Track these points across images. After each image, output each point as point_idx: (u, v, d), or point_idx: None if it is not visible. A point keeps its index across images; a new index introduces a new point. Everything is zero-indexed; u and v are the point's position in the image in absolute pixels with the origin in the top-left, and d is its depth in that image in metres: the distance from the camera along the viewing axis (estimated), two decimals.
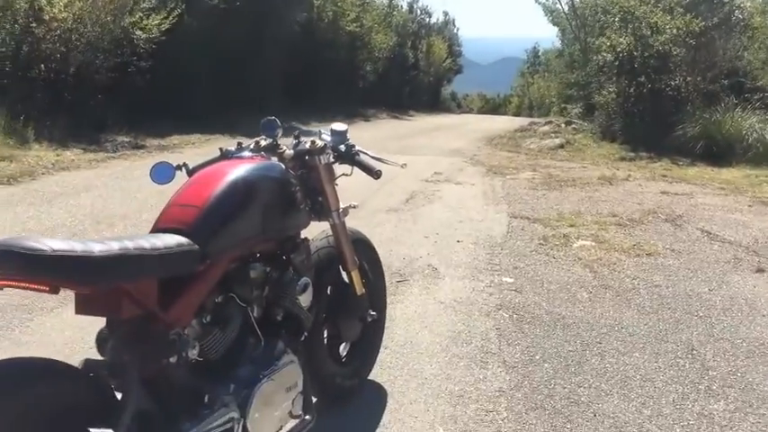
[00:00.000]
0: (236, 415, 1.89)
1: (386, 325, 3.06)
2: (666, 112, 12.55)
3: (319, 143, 2.38)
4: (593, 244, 5.29)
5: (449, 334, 3.46)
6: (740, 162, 10.44)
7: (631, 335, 3.53)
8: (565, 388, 2.93)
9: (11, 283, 1.46)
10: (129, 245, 1.62)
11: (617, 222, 6.08)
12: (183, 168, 2.41)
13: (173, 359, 1.77)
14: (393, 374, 3.00)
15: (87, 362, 1.69)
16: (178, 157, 9.54)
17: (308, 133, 2.60)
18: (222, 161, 2.24)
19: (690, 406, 2.81)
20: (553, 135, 13.89)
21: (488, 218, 6.19)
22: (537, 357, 3.23)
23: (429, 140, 13.88)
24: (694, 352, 3.34)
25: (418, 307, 3.81)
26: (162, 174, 2.41)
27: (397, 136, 14.80)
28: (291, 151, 2.36)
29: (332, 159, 2.45)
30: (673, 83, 13.09)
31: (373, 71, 28.73)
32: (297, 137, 2.45)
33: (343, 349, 2.81)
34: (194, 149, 10.31)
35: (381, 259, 2.98)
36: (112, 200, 6.26)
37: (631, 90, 13.39)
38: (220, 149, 2.42)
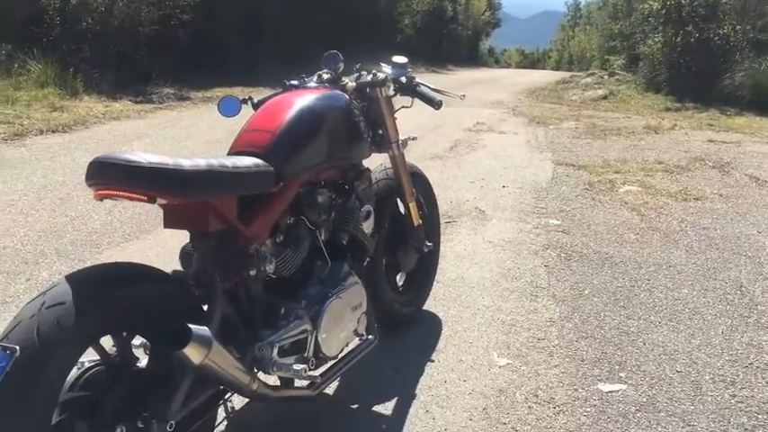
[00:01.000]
0: (308, 327, 2.02)
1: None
2: (714, 62, 12.24)
3: (380, 75, 2.46)
4: (640, 189, 5.30)
5: (498, 270, 3.55)
6: None
7: (680, 273, 3.58)
8: (614, 319, 3.01)
9: (113, 192, 1.59)
10: (214, 162, 1.73)
11: (663, 169, 6.05)
12: (249, 102, 2.49)
13: (252, 272, 1.89)
14: (446, 306, 3.10)
15: (175, 273, 1.82)
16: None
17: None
18: (291, 92, 2.32)
19: (738, 337, 2.87)
20: (596, 86, 13.69)
21: (533, 165, 6.21)
22: (586, 292, 3.30)
23: (469, 93, 13.71)
24: (743, 289, 3.38)
25: (467, 246, 3.90)
26: (229, 107, 2.50)
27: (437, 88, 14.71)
28: (353, 83, 2.44)
29: (392, 92, 2.52)
30: (721, 32, 12.73)
31: (411, 25, 28.44)
32: (358, 70, 2.52)
33: (399, 279, 2.92)
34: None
35: None
36: (163, 147, 6.42)
37: (678, 39, 13.06)
38: (284, 82, 2.50)
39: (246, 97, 2.51)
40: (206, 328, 1.59)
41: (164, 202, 1.62)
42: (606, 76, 15.22)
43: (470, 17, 35.74)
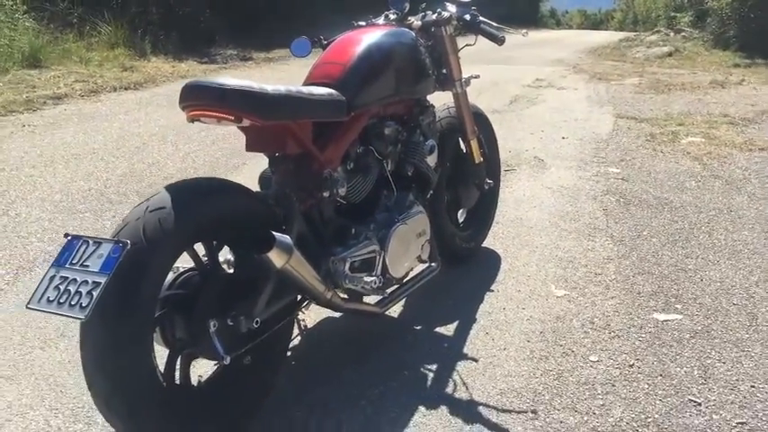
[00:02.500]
0: (377, 248, 2.16)
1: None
2: None
3: (445, 14, 2.55)
4: (703, 140, 5.25)
5: (557, 213, 3.63)
6: None
7: (740, 217, 3.59)
8: (672, 258, 3.07)
9: (205, 113, 1.75)
10: (293, 89, 1.88)
11: (728, 122, 5.95)
12: (319, 42, 2.62)
13: (326, 194, 2.04)
14: (505, 243, 3.21)
15: (256, 193, 1.98)
16: (283, 68, 9.90)
17: None
18: (361, 29, 2.43)
19: None
20: (661, 44, 13.35)
21: (593, 118, 6.20)
22: (644, 233, 3.36)
23: (529, 52, 13.61)
24: None
25: (526, 191, 3.98)
26: (300, 48, 2.63)
27: (496, 48, 14.57)
28: (419, 22, 2.54)
29: (455, 30, 2.61)
30: None
31: None
32: (423, 9, 2.62)
33: (460, 215, 3.04)
34: (300, 61, 10.56)
35: None
36: None
37: None
38: (352, 23, 2.62)
39: (316, 38, 2.64)
40: (287, 236, 1.75)
41: (248, 123, 1.77)
42: (672, 34, 14.80)
43: None
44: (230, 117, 1.73)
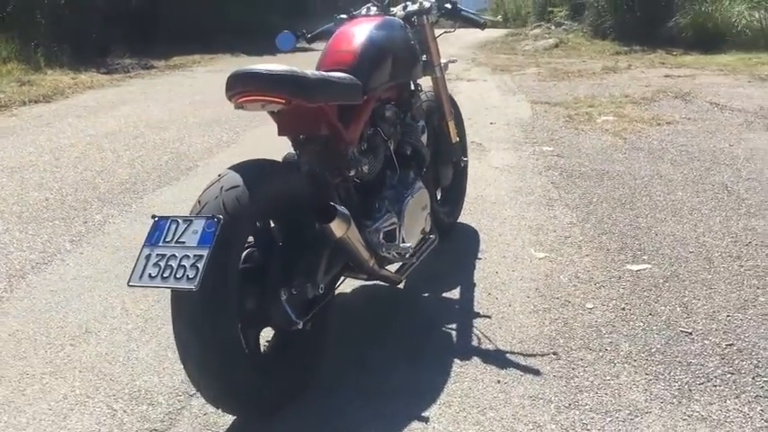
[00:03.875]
0: (396, 220, 2.33)
1: None
2: (656, 6, 12.81)
3: (426, 4, 2.74)
4: (616, 118, 5.72)
5: (512, 189, 3.90)
6: (731, 48, 10.79)
7: (670, 181, 3.99)
8: (625, 218, 3.40)
9: (254, 98, 1.86)
10: (324, 74, 2.01)
11: (631, 101, 6.48)
12: (303, 37, 2.76)
13: (352, 173, 2.18)
14: (477, 218, 3.44)
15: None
16: (191, 74, 9.77)
17: None
18: (354, 20, 2.58)
19: (734, 224, 3.29)
20: (546, 36, 14.12)
21: (511, 105, 6.58)
22: (594, 200, 3.68)
23: None
24: (729, 189, 3.81)
25: (477, 172, 4.23)
26: (285, 42, 2.75)
27: None
28: (402, 12, 2.72)
29: (435, 18, 2.81)
30: None
31: None
32: (403, 0, 2.79)
33: (437, 193, 3.23)
34: (204, 68, 10.48)
35: None
36: (151, 110, 6.54)
37: None
38: (334, 16, 2.76)
39: (300, 32, 2.76)
40: (345, 208, 1.88)
41: (294, 104, 1.89)
42: (553, 27, 15.66)
43: None
44: (281, 100, 1.85)
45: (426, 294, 2.66)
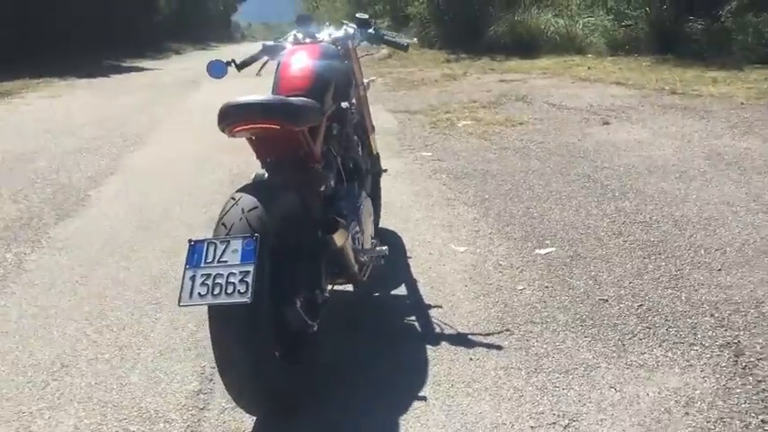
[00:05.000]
0: (358, 228, 2.56)
1: None
2: (475, 16, 13.89)
3: (350, 30, 2.99)
4: (474, 122, 6.27)
5: (411, 193, 4.25)
6: (545, 53, 11.99)
7: (543, 174, 4.53)
8: (519, 210, 3.85)
9: (249, 127, 2.03)
10: (300, 100, 2.21)
11: (481, 106, 7.11)
12: (233, 64, 2.91)
13: (322, 188, 2.39)
14: (392, 221, 3.74)
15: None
16: (24, 100, 9.22)
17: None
18: (296, 48, 2.76)
19: (607, 207, 3.85)
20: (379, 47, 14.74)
21: (373, 115, 6.94)
22: (487, 197, 4.12)
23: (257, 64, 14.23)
24: (592, 177, 4.40)
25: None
26: (216, 69, 2.90)
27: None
28: (329, 38, 2.94)
29: (358, 43, 3.06)
30: None
31: (166, 5, 27.81)
32: (328, 26, 3.02)
33: None
34: (36, 93, 9.92)
35: None
36: (8, 140, 6.19)
37: None
38: (263, 44, 2.94)
39: (230, 60, 2.92)
40: (344, 221, 2.10)
41: (284, 129, 2.07)
42: None
43: None
44: (276, 126, 2.03)
45: (377, 294, 2.92)
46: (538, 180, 4.40)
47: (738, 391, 2.16)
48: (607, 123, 5.95)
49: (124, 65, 15.56)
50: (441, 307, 2.76)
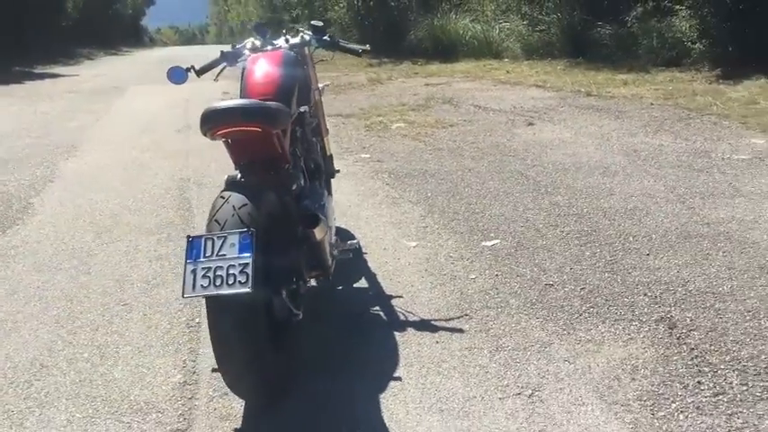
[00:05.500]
0: (326, 225, 2.71)
1: None
2: (394, 21, 14.20)
3: (306, 37, 3.13)
4: (406, 125, 6.50)
5: (357, 192, 4.41)
6: (464, 57, 12.41)
7: (479, 173, 4.79)
8: (461, 207, 4.08)
9: (231, 130, 2.16)
10: (277, 104, 2.35)
11: (410, 108, 7.35)
12: (192, 70, 3.01)
13: (294, 187, 2.53)
14: (344, 220, 3.88)
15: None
16: None
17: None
18: (258, 54, 2.88)
19: (542, 201, 4.13)
20: None
21: None
22: (429, 195, 4.33)
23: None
24: (524, 174, 4.69)
25: None
26: (177, 76, 3.00)
27: (147, 68, 14.85)
28: (286, 45, 3.08)
29: (314, 49, 3.21)
30: None
31: (75, 8, 27.01)
32: (285, 34, 3.16)
33: None
34: None
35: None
36: None
37: (360, 3, 14.82)
38: (222, 51, 3.04)
39: (189, 66, 3.02)
40: (324, 216, 2.25)
41: (265, 131, 2.21)
42: None
43: None
44: (257, 128, 2.17)
45: (341, 287, 3.07)
46: (475, 178, 4.66)
47: (675, 358, 2.44)
48: (532, 124, 6.29)
49: (36, 71, 15.04)
50: (402, 297, 2.95)
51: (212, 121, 2.14)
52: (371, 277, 3.16)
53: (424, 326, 2.70)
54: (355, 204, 4.17)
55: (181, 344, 2.61)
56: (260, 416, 2.17)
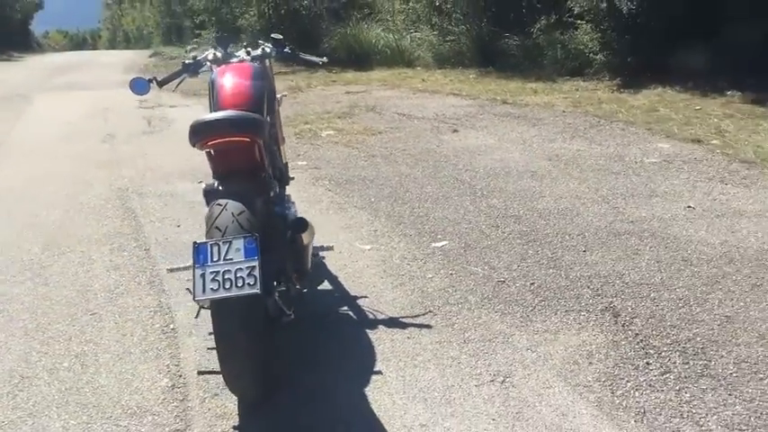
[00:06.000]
0: (312, 231, 2.83)
1: None
2: (306, 30, 14.29)
3: (267, 49, 3.22)
4: (336, 132, 6.64)
5: (300, 199, 4.46)
6: (378, 65, 12.65)
7: (416, 178, 5.00)
8: (406, 210, 4.27)
9: (222, 140, 2.25)
10: (257, 116, 2.46)
11: (336, 116, 7.49)
12: (154, 81, 3.07)
13: (271, 194, 2.64)
14: None
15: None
16: None
17: None
18: (227, 66, 2.95)
19: (480, 204, 4.37)
20: None
21: None
22: (372, 200, 4.50)
23: (81, 76, 13.75)
24: (459, 179, 4.93)
25: None
26: (139, 87, 3.04)
27: (46, 74, 14.30)
28: (248, 56, 3.17)
29: (274, 60, 3.31)
30: (305, 2, 14.87)
31: None
32: (246, 47, 3.24)
33: None
34: None
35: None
36: None
37: (271, 12, 14.84)
38: (183, 62, 3.10)
39: (151, 77, 3.07)
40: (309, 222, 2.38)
41: (253, 141, 2.32)
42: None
43: None
44: (246, 139, 2.28)
45: (305, 290, 3.18)
46: (412, 184, 4.86)
47: (623, 343, 2.71)
48: (456, 131, 6.57)
49: None
50: (367, 297, 3.10)
51: (203, 133, 2.23)
52: (334, 279, 3.29)
53: (394, 323, 2.86)
54: (303, 211, 4.23)
55: (160, 350, 2.65)
56: (255, 413, 2.27)
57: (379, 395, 2.37)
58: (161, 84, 3.11)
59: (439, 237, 3.83)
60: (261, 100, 2.77)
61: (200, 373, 2.46)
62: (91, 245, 3.75)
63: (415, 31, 13.15)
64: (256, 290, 1.93)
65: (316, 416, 2.27)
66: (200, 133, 2.23)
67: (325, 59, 3.49)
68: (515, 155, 5.61)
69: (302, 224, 2.32)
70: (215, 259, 1.97)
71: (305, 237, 2.34)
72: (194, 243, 2.01)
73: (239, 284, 1.93)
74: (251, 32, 15.15)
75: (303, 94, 9.28)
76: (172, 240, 3.80)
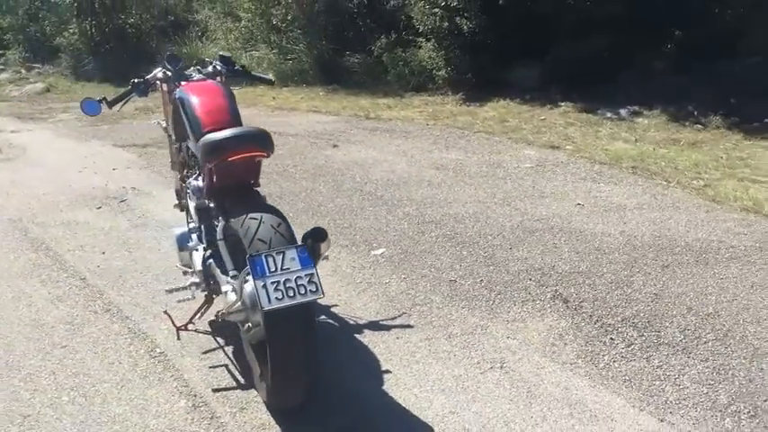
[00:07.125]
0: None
1: None
2: (134, 48, 13.74)
3: (218, 67, 3.21)
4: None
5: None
6: None
7: (321, 192, 5.10)
8: (328, 223, 4.37)
9: (243, 155, 2.30)
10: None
11: None
12: (104, 102, 2.99)
13: None
14: None
15: None
16: None
17: None
18: (193, 83, 2.91)
19: (395, 212, 4.58)
20: (26, 80, 13.59)
21: (102, 155, 6.74)
22: (292, 215, 4.51)
23: None
24: (363, 191, 5.10)
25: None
26: (90, 108, 2.97)
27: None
28: (199, 75, 3.14)
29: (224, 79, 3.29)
30: (130, 20, 14.30)
31: None
32: (196, 65, 3.20)
33: None
34: None
35: None
36: None
37: (94, 30, 14.07)
38: (132, 81, 3.03)
39: (101, 98, 2.98)
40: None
41: (268, 155, 2.37)
42: (23, 70, 15.04)
43: None
44: (264, 154, 2.33)
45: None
46: (321, 197, 4.97)
47: (583, 324, 3.05)
48: (336, 146, 6.74)
49: None
50: (338, 305, 3.19)
51: (226, 149, 2.26)
52: (337, 281, 3.37)
53: (377, 326, 2.99)
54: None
55: (159, 373, 2.58)
56: (292, 421, 2.30)
57: (399, 391, 2.50)
58: (111, 104, 3.03)
59: (374, 245, 3.99)
60: (238, 116, 2.79)
61: (215, 390, 2.44)
62: (15, 279, 3.46)
63: (254, 50, 13.14)
64: (320, 295, 2.01)
65: (351, 417, 2.36)
66: (223, 149, 2.26)
67: (272, 78, 3.54)
68: (403, 166, 5.89)
69: (321, 233, 2.39)
70: (272, 270, 2.02)
71: (323, 246, 2.40)
72: (248, 256, 2.04)
73: (302, 292, 2.01)
74: (71, 51, 14.25)
75: (156, 115, 8.94)
76: (105, 268, 3.62)
